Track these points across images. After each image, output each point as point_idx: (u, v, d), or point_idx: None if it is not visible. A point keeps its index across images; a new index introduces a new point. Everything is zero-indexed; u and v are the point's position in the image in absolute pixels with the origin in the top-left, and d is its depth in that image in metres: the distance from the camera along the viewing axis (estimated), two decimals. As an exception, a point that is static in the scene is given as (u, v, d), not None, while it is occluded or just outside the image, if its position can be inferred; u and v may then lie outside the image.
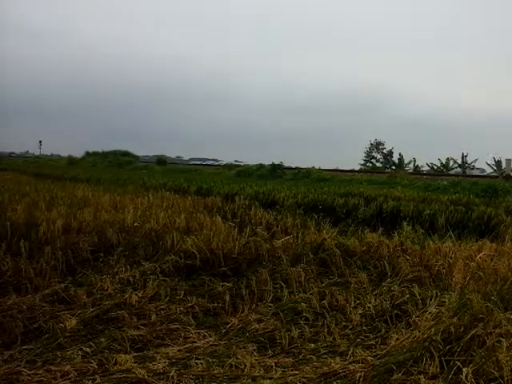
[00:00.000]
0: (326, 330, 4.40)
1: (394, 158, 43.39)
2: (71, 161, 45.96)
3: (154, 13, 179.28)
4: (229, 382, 3.46)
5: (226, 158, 59.06)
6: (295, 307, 4.81)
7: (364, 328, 4.43)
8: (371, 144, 45.40)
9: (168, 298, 5.13)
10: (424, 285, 5.29)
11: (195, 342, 4.18)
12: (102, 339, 4.12)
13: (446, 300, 4.59)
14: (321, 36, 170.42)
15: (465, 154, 39.34)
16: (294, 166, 30.48)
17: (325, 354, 3.95)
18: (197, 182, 16.05)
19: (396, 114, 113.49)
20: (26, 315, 4.62)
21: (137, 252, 6.41)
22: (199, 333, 4.36)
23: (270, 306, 4.97)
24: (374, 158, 45.50)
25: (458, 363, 3.26)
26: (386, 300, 4.87)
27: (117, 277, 5.65)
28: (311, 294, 5.05)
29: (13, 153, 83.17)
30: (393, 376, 3.35)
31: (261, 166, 30.26)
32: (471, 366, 3.20)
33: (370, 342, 4.13)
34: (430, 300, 4.74)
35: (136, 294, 5.11)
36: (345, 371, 3.58)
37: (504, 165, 30.28)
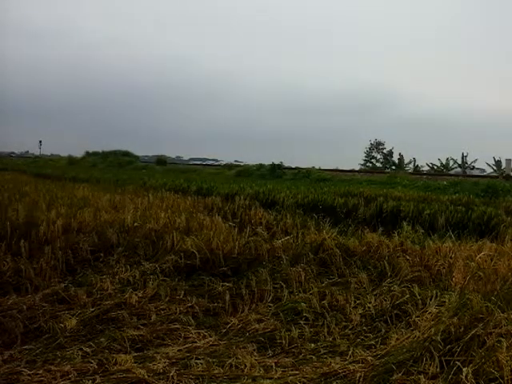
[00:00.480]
0: (325, 330, 4.40)
1: (393, 158, 43.30)
2: (71, 161, 45.88)
3: (154, 13, 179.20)
4: (229, 381, 3.46)
5: (226, 158, 58.99)
6: (295, 307, 4.81)
7: (364, 328, 4.43)
8: (371, 144, 45.33)
9: (168, 298, 5.13)
10: (424, 285, 5.29)
11: (195, 342, 4.18)
12: (102, 339, 4.12)
13: (446, 300, 4.59)
14: (321, 36, 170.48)
15: (465, 154, 39.32)
16: (293, 166, 30.47)
17: (325, 353, 3.95)
18: (197, 182, 16.03)
19: (396, 114, 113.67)
20: (26, 315, 4.62)
21: (137, 252, 6.41)
22: (199, 333, 4.36)
23: (269, 306, 4.97)
24: (374, 158, 45.41)
25: (458, 363, 3.26)
26: (386, 300, 4.87)
27: (117, 277, 5.65)
28: (311, 294, 5.05)
29: (13, 153, 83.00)
30: (393, 376, 3.35)
31: (261, 165, 30.24)
32: (471, 365, 3.20)
33: (369, 342, 4.13)
34: (430, 300, 4.74)
35: (136, 294, 5.12)
36: (345, 371, 3.58)
37: (504, 165, 30.27)
